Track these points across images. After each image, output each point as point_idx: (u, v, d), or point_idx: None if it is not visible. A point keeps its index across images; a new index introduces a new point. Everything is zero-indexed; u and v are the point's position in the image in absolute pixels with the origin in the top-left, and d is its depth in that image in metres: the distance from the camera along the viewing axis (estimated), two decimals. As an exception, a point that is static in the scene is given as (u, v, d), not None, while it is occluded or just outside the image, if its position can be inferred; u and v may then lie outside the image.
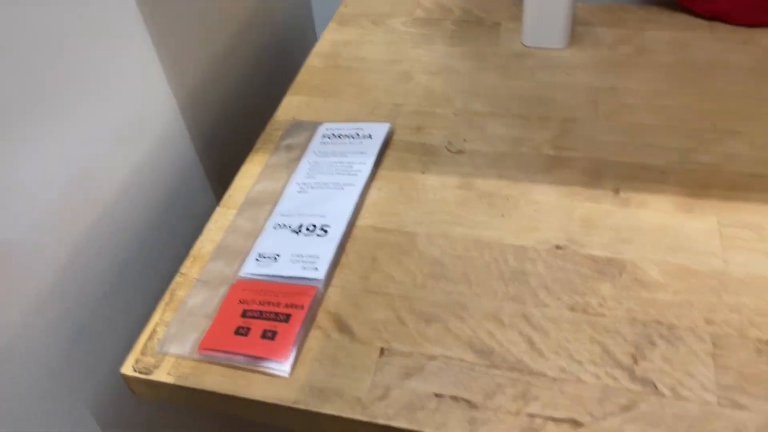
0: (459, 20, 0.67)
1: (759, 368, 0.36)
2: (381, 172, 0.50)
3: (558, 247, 0.44)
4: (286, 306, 0.41)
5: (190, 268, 0.45)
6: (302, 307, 0.40)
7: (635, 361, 0.37)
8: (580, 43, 0.62)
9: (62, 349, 0.44)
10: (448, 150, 0.52)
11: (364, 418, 0.36)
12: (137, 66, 0.48)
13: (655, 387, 0.36)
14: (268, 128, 0.56)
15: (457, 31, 0.65)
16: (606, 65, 0.59)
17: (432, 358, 0.38)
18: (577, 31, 0.64)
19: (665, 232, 0.44)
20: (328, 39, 0.66)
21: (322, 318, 0.41)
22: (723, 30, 0.62)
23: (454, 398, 0.36)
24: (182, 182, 0.55)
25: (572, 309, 0.40)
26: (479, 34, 0.65)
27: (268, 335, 0.39)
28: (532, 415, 0.35)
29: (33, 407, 0.42)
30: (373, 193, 0.49)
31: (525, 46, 0.62)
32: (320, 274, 0.42)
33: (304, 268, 0.43)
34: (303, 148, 0.53)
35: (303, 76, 0.61)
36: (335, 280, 0.43)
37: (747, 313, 0.39)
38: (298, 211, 0.47)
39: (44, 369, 0.43)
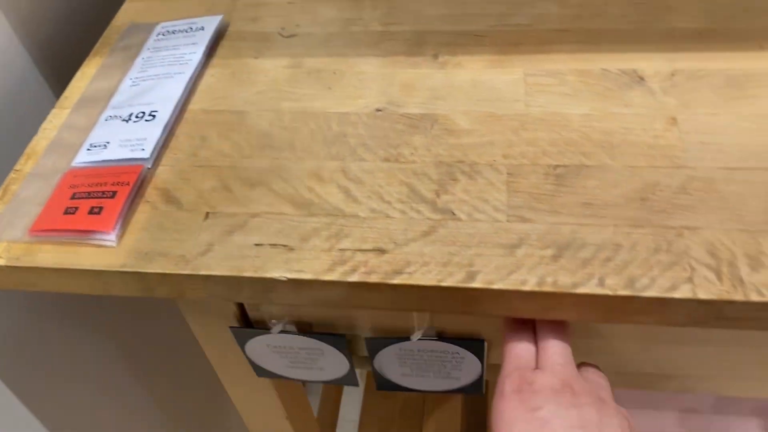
0: None
1: (545, 188, 0.40)
2: (214, 61, 0.52)
3: (378, 110, 0.46)
4: (113, 185, 0.42)
5: (24, 165, 0.46)
6: (128, 183, 0.42)
7: (438, 195, 0.41)
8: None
9: None
10: (281, 35, 0.53)
11: (188, 272, 0.38)
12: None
13: (453, 214, 0.39)
14: (107, 32, 0.56)
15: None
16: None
17: (254, 215, 0.41)
18: None
19: (476, 87, 0.47)
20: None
21: (150, 193, 0.43)
22: None
23: (273, 245, 0.39)
24: (18, 90, 0.55)
25: (386, 160, 0.43)
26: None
27: (95, 211, 0.41)
28: (342, 250, 0.38)
29: None
30: (206, 80, 0.50)
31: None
32: (146, 153, 0.44)
33: (132, 150, 0.44)
34: (139, 47, 0.53)
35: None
36: (165, 160, 0.45)
37: (541, 146, 0.43)
38: (129, 102, 0.48)
39: None
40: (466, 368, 0.48)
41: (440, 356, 0.47)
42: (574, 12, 0.52)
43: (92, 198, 0.41)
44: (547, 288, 0.36)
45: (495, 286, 0.36)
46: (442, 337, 0.46)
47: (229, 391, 0.57)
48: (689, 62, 0.46)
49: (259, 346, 0.49)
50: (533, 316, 0.38)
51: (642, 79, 0.46)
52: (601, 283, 0.35)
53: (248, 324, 0.49)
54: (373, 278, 0.37)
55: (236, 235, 0.40)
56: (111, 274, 0.39)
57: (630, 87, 0.45)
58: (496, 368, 0.41)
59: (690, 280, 0.35)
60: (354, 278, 0.37)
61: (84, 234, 0.40)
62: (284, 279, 0.37)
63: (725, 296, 0.34)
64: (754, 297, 0.34)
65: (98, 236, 0.40)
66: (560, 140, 0.43)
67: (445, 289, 0.37)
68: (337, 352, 0.48)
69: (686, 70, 0.46)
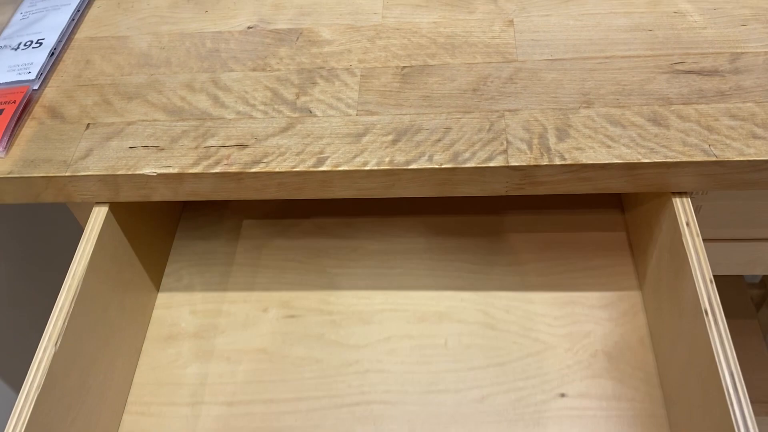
0: None
1: (393, 86, 0.45)
2: (100, -7, 0.55)
3: (249, 27, 0.50)
4: (1, 104, 0.46)
5: None
6: (14, 102, 0.45)
7: (297, 97, 0.45)
8: None
9: None
10: (165, -33, 0.57)
11: (68, 173, 0.42)
12: None
13: (310, 112, 0.44)
14: (-1, -26, 0.59)
15: None
16: None
17: (130, 123, 0.45)
18: None
19: (339, 3, 0.51)
20: None
21: (37, 111, 0.46)
22: None
23: (146, 147, 0.43)
24: None
25: (254, 70, 0.47)
26: None
27: (-17, 127, 0.44)
28: (208, 147, 0.43)
29: None
30: (93, 11, 0.53)
31: None
32: (32, 76, 0.47)
33: (19, 74, 0.47)
34: (30, -16, 0.56)
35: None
36: (51, 83, 0.48)
37: (393, 50, 0.47)
38: (18, 33, 0.51)
39: None
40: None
41: (322, 251, 0.52)
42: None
43: (-20, 117, 0.45)
44: (384, 166, 0.41)
45: (341, 168, 0.41)
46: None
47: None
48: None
49: (158, 254, 0.53)
50: (378, 195, 0.43)
51: (488, -12, 0.51)
52: (430, 159, 0.40)
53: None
54: (234, 168, 0.41)
55: (113, 141, 0.44)
56: (0, 181, 0.43)
57: (476, -4, 0.50)
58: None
59: (505, 151, 0.40)
60: (217, 170, 0.42)
61: (-27, 148, 0.44)
62: (154, 174, 0.42)
63: (533, 162, 0.40)
64: (557, 161, 0.39)
65: (-15, 149, 0.43)
66: (410, 45, 0.47)
67: (298, 174, 0.41)
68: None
69: (529, -21, 0.51)
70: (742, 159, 0.38)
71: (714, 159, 0.38)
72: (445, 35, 0.48)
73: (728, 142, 0.39)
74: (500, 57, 0.46)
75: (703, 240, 0.41)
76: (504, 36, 0.47)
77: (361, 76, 0.46)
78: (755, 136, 0.39)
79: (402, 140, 0.42)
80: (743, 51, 0.44)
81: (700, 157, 0.39)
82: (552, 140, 0.40)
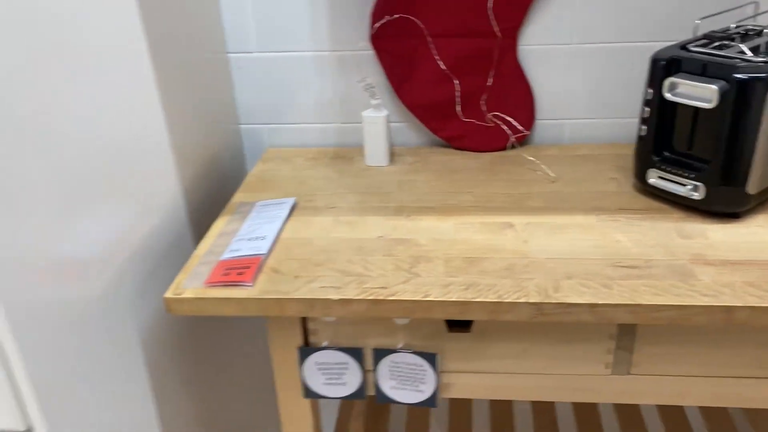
0: (333, 155, 1.18)
1: (462, 265, 0.82)
2: (292, 218, 0.96)
3: (379, 237, 0.90)
4: (247, 264, 0.83)
5: (192, 260, 0.87)
6: (255, 263, 0.83)
7: (410, 267, 0.82)
8: (395, 162, 1.14)
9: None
10: (327, 207, 0.99)
11: (284, 296, 0.78)
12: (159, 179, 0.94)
13: (418, 275, 0.81)
14: (227, 207, 1.01)
15: (333, 160, 1.16)
16: (407, 172, 1.10)
17: (318, 277, 0.82)
18: (394, 156, 1.16)
19: (429, 229, 0.92)
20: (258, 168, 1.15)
21: (266, 270, 0.84)
22: (466, 153, 1.16)
23: (327, 287, 0.79)
24: (174, 229, 0.98)
25: (384, 255, 0.85)
26: (341, 161, 1.16)
27: (240, 273, 0.81)
28: (365, 289, 0.79)
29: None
30: (290, 225, 0.94)
31: (367, 165, 1.14)
32: (263, 251, 0.86)
33: (254, 251, 0.86)
34: (249, 212, 0.98)
35: (247, 180, 1.08)
36: (271, 259, 0.86)
37: (462, 250, 0.86)
38: (248, 234, 0.91)
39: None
40: (428, 380, 0.84)
41: (413, 368, 0.84)
42: (486, 202, 0.99)
43: (236, 269, 0.82)
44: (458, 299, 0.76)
45: (438, 299, 0.76)
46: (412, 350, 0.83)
47: (281, 409, 0.90)
48: (536, 219, 0.92)
49: (309, 364, 0.85)
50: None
51: (511, 225, 0.91)
52: (485, 297, 0.76)
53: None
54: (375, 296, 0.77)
55: (311, 284, 0.80)
56: (249, 300, 0.78)
57: (504, 228, 0.90)
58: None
59: (526, 295, 0.76)
60: (363, 296, 0.77)
61: (235, 283, 0.80)
62: (335, 298, 0.77)
63: (541, 300, 0.75)
64: (553, 301, 0.75)
65: (242, 284, 0.80)
66: (470, 249, 0.86)
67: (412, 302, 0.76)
68: (357, 364, 0.84)
69: (534, 222, 0.91)
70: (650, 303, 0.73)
71: (631, 303, 0.74)
72: (489, 245, 0.86)
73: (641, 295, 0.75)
74: (521, 255, 0.84)
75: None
76: (523, 246, 0.86)
77: (445, 260, 0.83)
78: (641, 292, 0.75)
79: (470, 289, 0.77)
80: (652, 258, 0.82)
81: (625, 301, 0.74)
82: (550, 291, 0.76)
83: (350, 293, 0.78)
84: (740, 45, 0.86)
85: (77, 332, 0.75)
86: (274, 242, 0.90)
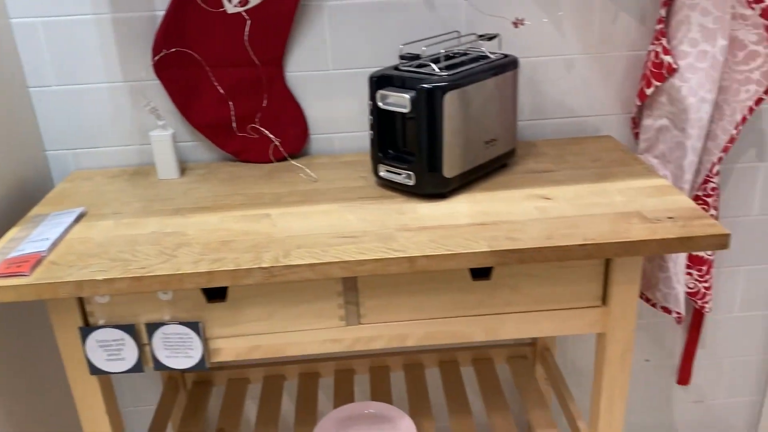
0: (133, 173, 1.33)
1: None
2: (79, 224, 1.10)
3: (153, 232, 1.06)
4: (26, 259, 0.96)
5: None
6: (34, 258, 0.96)
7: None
8: (186, 175, 1.31)
9: None
10: (114, 213, 1.14)
11: (57, 280, 0.92)
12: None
13: (177, 257, 0.98)
14: (23, 219, 1.13)
15: (131, 176, 1.31)
16: (194, 182, 1.28)
17: (90, 264, 0.96)
18: (186, 170, 1.33)
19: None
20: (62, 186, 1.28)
21: (45, 263, 0.97)
22: (251, 165, 1.35)
23: (93, 271, 0.94)
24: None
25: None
26: (138, 177, 1.31)
27: (20, 265, 0.94)
28: (128, 269, 0.94)
29: None
30: (76, 228, 1.08)
31: (159, 179, 1.30)
32: (44, 248, 0.99)
33: (36, 248, 0.99)
34: (41, 221, 1.11)
35: (48, 197, 1.21)
36: (52, 255, 1.00)
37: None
38: (36, 237, 1.04)
39: None
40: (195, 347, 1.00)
41: (181, 337, 1.00)
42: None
43: (17, 263, 0.95)
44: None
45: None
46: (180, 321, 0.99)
47: (73, 388, 1.02)
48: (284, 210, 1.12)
49: (90, 343, 0.98)
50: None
51: (269, 215, 1.10)
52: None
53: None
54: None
55: (82, 270, 0.94)
56: (25, 287, 0.91)
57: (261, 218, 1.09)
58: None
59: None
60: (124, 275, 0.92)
61: (13, 274, 0.93)
62: (100, 279, 0.92)
63: (270, 265, 0.94)
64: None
65: (20, 274, 0.93)
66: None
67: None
68: (132, 340, 0.99)
69: (288, 212, 1.11)
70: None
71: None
72: (244, 230, 1.05)
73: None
74: (267, 236, 1.03)
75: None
76: (271, 230, 1.05)
77: (203, 244, 1.01)
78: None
79: (216, 263, 0.95)
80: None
81: (336, 259, 0.94)
82: (281, 258, 0.95)
83: (115, 274, 0.93)
84: (431, 64, 1.11)
85: None
86: (56, 242, 1.03)
